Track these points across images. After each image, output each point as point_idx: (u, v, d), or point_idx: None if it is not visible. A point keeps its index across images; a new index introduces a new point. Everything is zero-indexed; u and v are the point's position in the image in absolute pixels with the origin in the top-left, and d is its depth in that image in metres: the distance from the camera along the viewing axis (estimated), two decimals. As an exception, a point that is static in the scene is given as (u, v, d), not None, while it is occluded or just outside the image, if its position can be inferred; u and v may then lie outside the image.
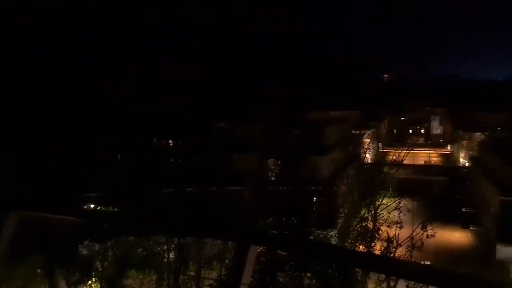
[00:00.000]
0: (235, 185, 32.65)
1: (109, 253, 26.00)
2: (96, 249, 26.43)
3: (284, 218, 31.45)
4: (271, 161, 44.92)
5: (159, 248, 26.41)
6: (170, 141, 47.52)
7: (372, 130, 79.61)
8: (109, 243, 25.67)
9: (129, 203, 29.54)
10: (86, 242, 26.12)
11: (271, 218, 34.43)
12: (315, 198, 41.88)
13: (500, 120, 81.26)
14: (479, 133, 75.08)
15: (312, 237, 25.55)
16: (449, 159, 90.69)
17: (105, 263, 25.91)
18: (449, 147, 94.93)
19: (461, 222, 53.03)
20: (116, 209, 30.34)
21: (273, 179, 44.52)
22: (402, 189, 49.16)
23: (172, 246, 26.32)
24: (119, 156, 41.69)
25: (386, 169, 37.38)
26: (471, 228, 52.10)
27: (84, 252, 26.17)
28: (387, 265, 2.50)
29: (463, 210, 57.38)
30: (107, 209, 30.10)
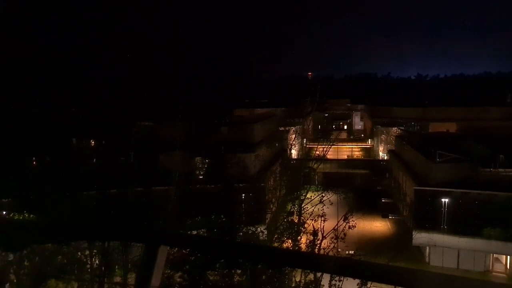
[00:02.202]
0: (161, 185, 31.87)
1: (25, 263, 24.20)
2: (10, 259, 24.48)
3: (213, 216, 31.30)
4: (198, 159, 44.51)
5: (80, 254, 25.03)
6: (91, 141, 45.28)
7: (297, 126, 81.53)
8: (24, 252, 23.89)
9: (45, 208, 27.70)
10: (-2, 253, 24.12)
11: (199, 217, 34.14)
12: (243, 195, 42.13)
13: (413, 115, 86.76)
14: (396, 128, 79.75)
15: (240, 234, 25.61)
16: (369, 153, 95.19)
17: (21, 274, 24.09)
18: (369, 142, 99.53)
19: (381, 212, 56.07)
20: (31, 215, 28.46)
21: (201, 177, 44.14)
22: (327, 183, 51.00)
23: (95, 251, 25.08)
24: (33, 158, 39.19)
25: (311, 164, 38.50)
26: (390, 217, 55.23)
27: (-4, 263, 24.17)
28: (309, 261, 2.46)
29: (382, 200, 60.74)
30: (21, 215, 28.12)
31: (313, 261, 2.47)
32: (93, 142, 45.15)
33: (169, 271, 21.95)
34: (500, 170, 43.12)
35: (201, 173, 44.56)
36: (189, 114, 59.54)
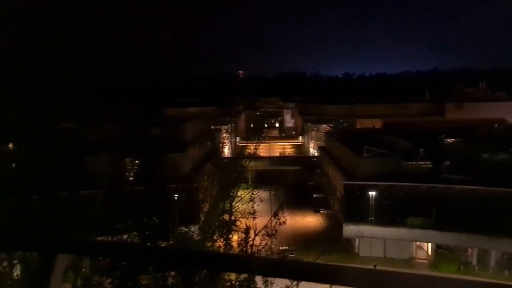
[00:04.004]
0: (88, 188, 30.36)
1: None
2: None
3: (144, 218, 30.31)
4: (127, 160, 43.01)
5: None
6: (9, 145, 42.15)
7: (229, 125, 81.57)
8: None
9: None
10: None
11: (130, 220, 32.93)
12: (176, 195, 41.32)
13: (341, 112, 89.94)
14: (325, 125, 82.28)
15: (173, 235, 25.03)
16: (301, 149, 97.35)
17: None
18: (300, 139, 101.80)
19: (313, 207, 57.54)
20: None
21: (131, 179, 42.68)
22: (260, 180, 51.47)
23: (16, 261, 23.28)
24: None
25: (244, 162, 38.52)
26: (321, 211, 56.81)
27: None
28: (238, 263, 2.31)
29: (314, 196, 62.35)
30: None
31: (238, 263, 2.33)
32: (11, 146, 42.07)
33: (97, 278, 20.96)
34: (421, 163, 45.85)
35: (131, 174, 43.10)
36: (118, 114, 57.48)
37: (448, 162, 45.50)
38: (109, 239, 24.29)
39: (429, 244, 43.80)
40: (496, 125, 68.16)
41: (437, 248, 43.12)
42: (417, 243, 44.39)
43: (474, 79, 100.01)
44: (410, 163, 45.56)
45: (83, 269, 24.58)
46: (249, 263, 2.33)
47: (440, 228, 40.65)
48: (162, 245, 24.40)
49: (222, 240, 21.05)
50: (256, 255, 20.45)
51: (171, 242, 24.08)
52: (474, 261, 42.18)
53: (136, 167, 43.44)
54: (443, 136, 55.16)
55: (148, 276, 22.23)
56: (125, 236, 24.97)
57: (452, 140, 54.22)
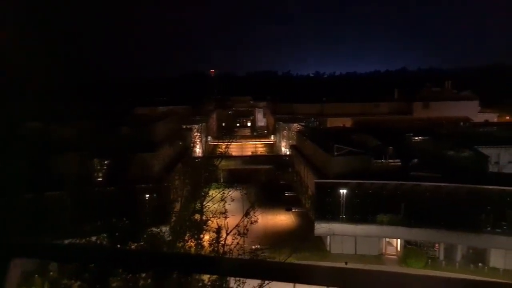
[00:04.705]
0: (55, 190, 29.62)
1: None
2: None
3: (114, 219, 29.72)
4: (96, 161, 42.08)
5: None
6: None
7: (200, 124, 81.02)
8: None
9: None
10: None
11: (99, 221, 32.22)
12: (147, 195, 40.73)
13: (313, 111, 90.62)
14: (297, 124, 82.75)
15: (144, 236, 24.65)
16: (273, 148, 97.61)
17: None
18: (272, 138, 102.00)
19: (285, 206, 57.80)
20: None
21: (100, 179, 41.78)
22: (232, 180, 51.24)
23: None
24: None
25: (215, 161, 38.30)
26: (293, 210, 57.13)
27: None
28: (210, 265, 2.26)
29: (286, 194, 62.67)
30: None
31: (209, 264, 2.27)
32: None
33: (66, 281, 20.42)
34: (390, 161, 46.69)
35: (100, 175, 42.18)
36: (85, 113, 56.15)
37: (416, 160, 46.53)
38: (77, 241, 23.71)
39: (398, 240, 44.69)
40: (462, 123, 70.29)
41: (406, 244, 44.04)
42: (387, 239, 45.23)
43: (440, 79, 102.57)
44: (379, 161, 46.33)
45: (51, 273, 23.92)
46: (221, 264, 2.29)
47: (409, 224, 41.56)
48: (133, 246, 24.00)
49: (193, 240, 20.84)
50: (228, 254, 20.34)
51: (142, 243, 23.70)
52: (441, 256, 43.30)
53: (105, 168, 42.55)
54: (411, 134, 56.39)
55: (119, 279, 21.81)
56: (94, 238, 24.43)
57: (420, 138, 55.48)
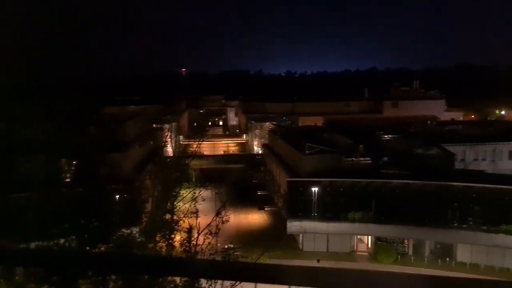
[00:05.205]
0: (20, 191, 28.72)
1: None
2: None
3: (83, 221, 29.05)
4: (63, 161, 41.03)
5: None
6: None
7: (172, 123, 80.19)
8: None
9: None
10: None
11: (67, 223, 31.43)
12: (117, 196, 39.98)
13: (284, 110, 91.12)
14: (269, 123, 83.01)
15: (114, 237, 24.20)
16: (245, 147, 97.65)
17: None
18: (244, 137, 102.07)
19: (258, 205, 57.94)
20: None
21: (67, 180, 40.75)
22: (205, 179, 50.92)
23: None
24: None
25: (187, 161, 37.94)
26: (266, 209, 57.33)
27: None
28: (180, 267, 2.21)
29: (258, 193, 62.81)
30: None
31: (180, 266, 2.22)
32: None
33: (32, 285, 19.82)
34: (360, 159, 47.44)
35: (68, 176, 41.14)
36: (52, 112, 54.69)
37: (386, 158, 47.43)
38: (44, 244, 23.05)
39: (369, 237, 45.46)
40: (429, 122, 72.08)
41: (376, 240, 44.85)
42: (358, 236, 45.93)
43: (409, 79, 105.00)
44: (350, 159, 47.01)
45: (16, 277, 23.12)
46: (192, 266, 2.24)
47: (379, 221, 42.34)
48: (103, 248, 23.50)
49: (164, 240, 20.58)
50: (199, 254, 20.16)
51: (112, 245, 23.25)
52: (410, 252, 44.30)
53: (73, 168, 41.54)
54: (381, 132, 57.47)
55: (88, 281, 21.31)
56: (62, 241, 23.81)
57: (389, 137, 56.61)
